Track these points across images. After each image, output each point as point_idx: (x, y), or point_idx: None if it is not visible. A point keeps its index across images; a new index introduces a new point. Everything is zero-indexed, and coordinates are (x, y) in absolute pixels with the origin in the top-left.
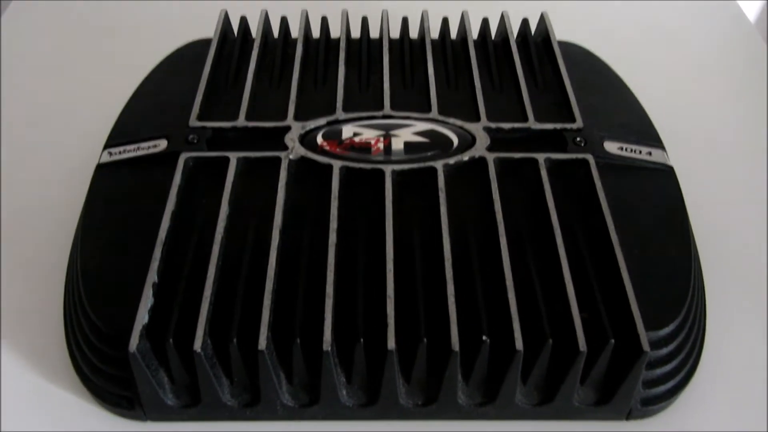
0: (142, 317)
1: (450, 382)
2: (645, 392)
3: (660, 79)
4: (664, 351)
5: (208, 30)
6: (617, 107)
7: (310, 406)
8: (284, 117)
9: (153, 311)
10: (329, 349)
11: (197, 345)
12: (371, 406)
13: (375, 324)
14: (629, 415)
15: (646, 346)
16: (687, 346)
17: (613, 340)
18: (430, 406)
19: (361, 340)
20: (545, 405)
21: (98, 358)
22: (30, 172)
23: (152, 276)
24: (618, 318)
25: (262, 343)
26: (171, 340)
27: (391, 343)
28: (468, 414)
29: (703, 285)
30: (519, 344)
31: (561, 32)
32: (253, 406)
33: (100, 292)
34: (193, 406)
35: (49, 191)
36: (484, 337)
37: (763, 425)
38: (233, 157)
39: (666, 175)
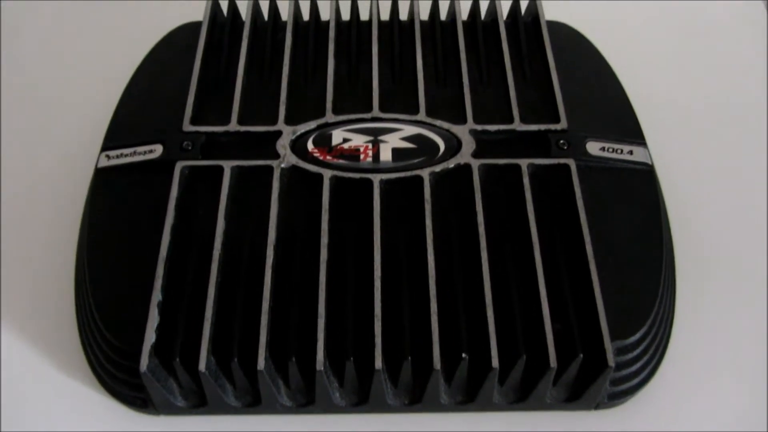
0: (150, 337)
1: (433, 389)
2: (611, 389)
3: (650, 59)
4: (630, 356)
5: (195, 5)
6: (602, 99)
7: (306, 405)
8: (275, 120)
9: (159, 329)
10: (322, 369)
11: (202, 366)
12: (362, 405)
13: (363, 342)
14: (596, 407)
15: (611, 362)
16: (652, 349)
17: (581, 355)
18: (416, 404)
19: (351, 359)
20: (520, 402)
21: (112, 366)
22: (27, 165)
23: (156, 295)
24: (588, 331)
25: (261, 363)
26: (178, 359)
27: (378, 363)
28: (449, 409)
29: (673, 285)
30: (495, 362)
31: (555, 6)
32: (255, 406)
33: (111, 308)
34: (201, 407)
35: (47, 187)
36: (463, 355)
37: (716, 413)
38: (227, 166)
39: (645, 176)
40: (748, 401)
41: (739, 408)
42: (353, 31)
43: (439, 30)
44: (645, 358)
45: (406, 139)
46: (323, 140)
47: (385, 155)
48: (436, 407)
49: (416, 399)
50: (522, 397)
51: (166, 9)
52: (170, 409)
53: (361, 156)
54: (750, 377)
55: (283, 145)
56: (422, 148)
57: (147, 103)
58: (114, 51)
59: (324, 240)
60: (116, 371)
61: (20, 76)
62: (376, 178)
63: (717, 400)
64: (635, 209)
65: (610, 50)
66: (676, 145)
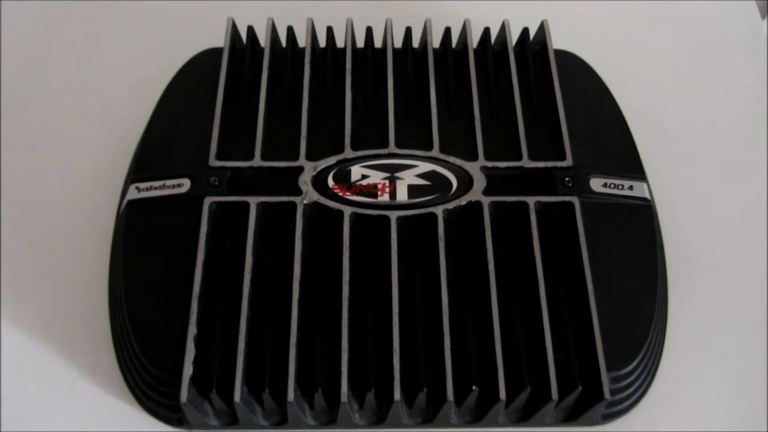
0: (188, 369)
1: (445, 413)
2: (605, 411)
3: (652, 82)
4: (623, 383)
5: (213, 28)
6: (606, 133)
7: (329, 424)
8: (297, 156)
9: (196, 361)
10: (346, 400)
11: (237, 397)
12: (379, 424)
13: (383, 374)
14: (591, 425)
15: (607, 395)
16: (643, 375)
17: (580, 388)
18: (428, 424)
19: (372, 390)
20: (522, 422)
21: (150, 389)
22: (47, 190)
23: (192, 329)
24: (586, 365)
25: (290, 395)
26: (214, 390)
27: (397, 395)
28: (458, 426)
29: (665, 314)
30: (502, 394)
31: (561, 33)
32: (282, 425)
33: (148, 337)
34: (233, 425)
35: (71, 210)
36: (474, 387)
37: (700, 427)
38: (253, 202)
39: (644, 211)
40: (729, 412)
41: (722, 419)
42: (368, 60)
43: (451, 59)
44: (636, 384)
45: (420, 176)
46: (343, 176)
47: (401, 192)
48: (446, 425)
49: (428, 419)
50: (524, 419)
51: (179, 33)
52: (204, 428)
53: (379, 193)
54: (729, 391)
55: (305, 181)
56: (436, 185)
57: (172, 134)
58: (133, 77)
59: (345, 277)
60: (154, 395)
61: (38, 101)
62: (393, 215)
63: (700, 416)
64: (633, 244)
65: (613, 74)
66: (676, 174)
